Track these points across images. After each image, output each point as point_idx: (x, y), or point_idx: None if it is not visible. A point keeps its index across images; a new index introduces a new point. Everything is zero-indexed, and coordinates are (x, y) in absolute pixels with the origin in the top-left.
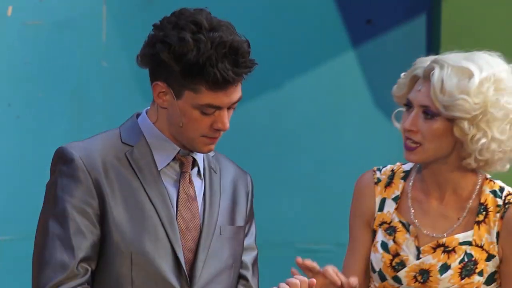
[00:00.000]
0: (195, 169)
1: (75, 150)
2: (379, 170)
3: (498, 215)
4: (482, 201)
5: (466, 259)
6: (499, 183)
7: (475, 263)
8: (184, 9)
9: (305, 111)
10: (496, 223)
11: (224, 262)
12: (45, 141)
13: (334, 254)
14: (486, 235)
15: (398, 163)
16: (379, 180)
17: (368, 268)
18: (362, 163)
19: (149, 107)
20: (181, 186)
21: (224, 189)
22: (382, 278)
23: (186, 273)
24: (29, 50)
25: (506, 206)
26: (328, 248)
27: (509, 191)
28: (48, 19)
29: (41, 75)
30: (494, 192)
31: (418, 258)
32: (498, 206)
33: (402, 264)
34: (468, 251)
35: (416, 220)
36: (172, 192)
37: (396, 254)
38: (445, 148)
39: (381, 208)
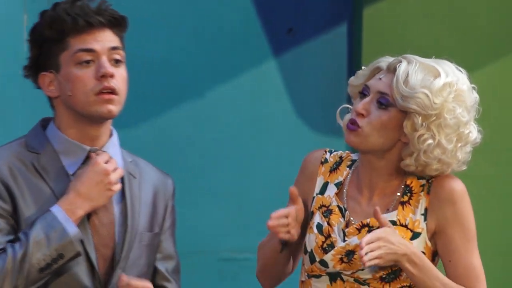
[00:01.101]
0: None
1: None
2: (330, 152)
3: (422, 193)
4: (408, 183)
5: None
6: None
7: None
8: None
9: (227, 120)
10: (422, 200)
11: (141, 270)
12: None
13: (256, 263)
14: (410, 214)
15: (347, 151)
16: (326, 161)
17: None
18: (283, 172)
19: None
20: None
21: (144, 195)
22: (312, 259)
23: (100, 278)
24: None
25: (430, 181)
26: (251, 257)
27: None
28: None
29: None
30: (418, 176)
31: (344, 240)
32: (422, 186)
33: (332, 246)
34: None
35: (348, 209)
36: None
37: (328, 236)
38: (386, 142)
39: (322, 192)
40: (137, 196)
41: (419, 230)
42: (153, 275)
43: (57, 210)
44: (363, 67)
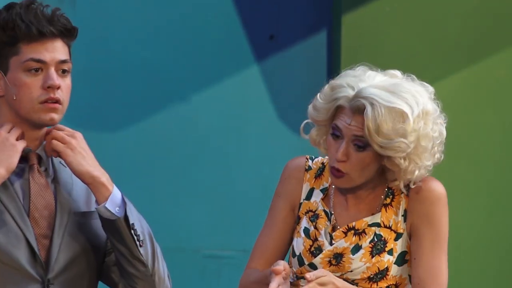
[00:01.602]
0: (43, 167)
1: None
2: (311, 159)
3: (403, 195)
4: (390, 186)
5: (376, 239)
6: None
7: (385, 242)
8: None
9: (210, 122)
10: (402, 201)
11: (82, 246)
12: None
13: (239, 261)
14: (393, 216)
15: (327, 157)
16: (310, 168)
17: (283, 244)
18: (265, 172)
19: None
20: (31, 178)
21: (76, 180)
22: (301, 262)
23: (41, 259)
24: None
25: (409, 186)
26: (234, 254)
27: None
28: None
29: None
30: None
31: (331, 244)
32: (404, 192)
33: (319, 249)
34: (377, 232)
35: (333, 215)
36: (22, 186)
37: (315, 239)
38: (370, 174)
39: (308, 197)
40: (68, 179)
41: (401, 231)
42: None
43: None
44: (318, 98)
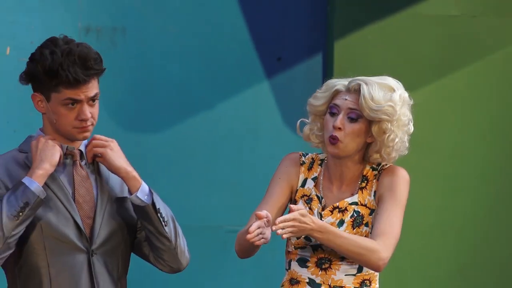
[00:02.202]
0: (84, 161)
1: None
2: (304, 155)
3: (374, 180)
4: (364, 173)
5: (355, 215)
6: (378, 162)
7: (362, 217)
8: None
9: (231, 125)
10: (374, 185)
11: (117, 224)
12: None
13: None
14: (368, 197)
15: (315, 153)
16: (303, 163)
17: (276, 212)
18: (271, 165)
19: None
20: (74, 171)
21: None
22: (298, 235)
23: (86, 235)
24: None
25: (380, 172)
26: None
27: (383, 165)
28: None
29: (30, 99)
30: (372, 168)
31: (321, 219)
32: (375, 175)
33: None
34: (356, 209)
35: (324, 197)
36: (67, 177)
37: None
38: (358, 146)
39: (303, 185)
40: (105, 170)
41: (373, 207)
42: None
43: (23, 178)
44: (317, 91)
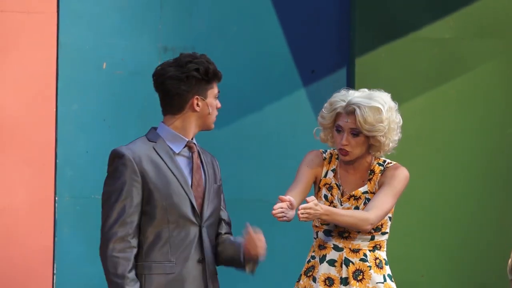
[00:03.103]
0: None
1: (123, 149)
2: (324, 152)
3: (380, 174)
4: (372, 168)
5: (366, 202)
6: (383, 158)
7: None
8: (175, 58)
9: (274, 126)
10: (378, 178)
11: (216, 206)
12: (124, 140)
13: None
14: (374, 186)
15: (332, 149)
16: (325, 158)
17: (302, 197)
18: (301, 156)
19: (161, 122)
20: (193, 160)
21: (208, 162)
22: None
23: (198, 212)
24: (115, 88)
25: (384, 168)
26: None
27: (388, 162)
28: (126, 70)
29: (122, 102)
30: (379, 164)
31: (341, 204)
32: (381, 170)
33: (335, 208)
34: (367, 197)
35: (341, 185)
36: (187, 165)
37: (331, 202)
38: (362, 150)
39: (325, 176)
40: (207, 163)
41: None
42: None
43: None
44: (323, 109)
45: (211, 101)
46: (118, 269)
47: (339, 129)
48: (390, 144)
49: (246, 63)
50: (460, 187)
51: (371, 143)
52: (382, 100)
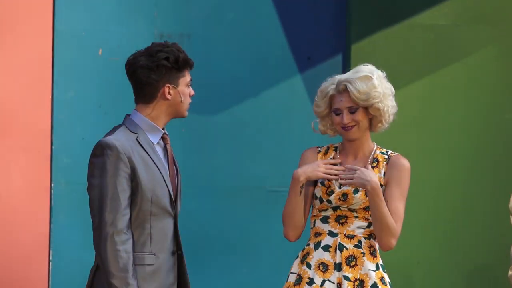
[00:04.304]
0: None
1: (112, 140)
2: (320, 147)
3: (384, 163)
4: (375, 156)
5: None
6: (382, 148)
7: None
8: (146, 47)
9: (270, 111)
10: (383, 167)
11: (180, 196)
12: None
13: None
14: (378, 174)
15: (330, 143)
16: (319, 151)
17: (310, 198)
18: (303, 139)
19: (134, 109)
20: (167, 151)
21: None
22: (321, 201)
23: (174, 203)
24: (112, 74)
25: (388, 158)
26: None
27: (391, 152)
28: (122, 57)
29: (118, 88)
30: (382, 153)
31: (340, 188)
32: (385, 159)
33: (332, 192)
34: None
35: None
36: (163, 156)
37: (328, 186)
38: (365, 125)
39: None
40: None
41: (381, 183)
42: None
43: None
44: (316, 98)
45: (182, 89)
46: (120, 262)
47: (337, 112)
48: (390, 110)
49: (242, 50)
50: (455, 172)
51: (371, 116)
52: (369, 69)
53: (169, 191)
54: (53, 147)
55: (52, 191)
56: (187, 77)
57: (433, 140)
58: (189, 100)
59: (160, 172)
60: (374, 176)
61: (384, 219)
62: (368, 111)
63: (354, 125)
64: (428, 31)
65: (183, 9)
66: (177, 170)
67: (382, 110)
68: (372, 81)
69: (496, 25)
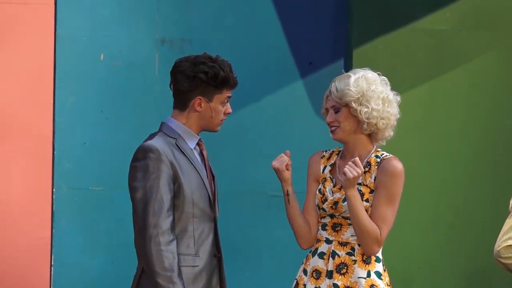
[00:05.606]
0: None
1: (153, 144)
2: (325, 151)
3: (376, 167)
4: (369, 160)
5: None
6: (381, 151)
7: (363, 194)
8: (197, 55)
9: (271, 116)
10: (374, 171)
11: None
12: (122, 132)
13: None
14: (369, 179)
15: (337, 147)
16: (324, 156)
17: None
18: (305, 143)
19: (170, 116)
20: (204, 156)
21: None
22: (318, 208)
23: (213, 205)
24: (113, 79)
25: (380, 161)
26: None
27: (385, 155)
28: (124, 62)
29: (120, 93)
30: (376, 156)
31: (332, 196)
32: (377, 163)
33: (326, 199)
34: (359, 188)
35: (335, 178)
36: (200, 160)
37: (324, 194)
38: (351, 126)
39: (323, 171)
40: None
41: (372, 188)
42: None
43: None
44: (322, 105)
45: (216, 105)
46: (165, 262)
47: (328, 111)
48: (374, 113)
49: (244, 55)
50: (456, 177)
51: (356, 117)
52: (356, 71)
53: (208, 194)
54: (54, 152)
55: (53, 195)
56: (224, 95)
57: (434, 145)
58: (222, 117)
59: (200, 175)
60: (355, 175)
61: (361, 223)
62: (350, 112)
63: (338, 126)
64: (429, 36)
65: (184, 14)
66: (213, 175)
67: (359, 111)
68: (348, 79)
69: (497, 31)
